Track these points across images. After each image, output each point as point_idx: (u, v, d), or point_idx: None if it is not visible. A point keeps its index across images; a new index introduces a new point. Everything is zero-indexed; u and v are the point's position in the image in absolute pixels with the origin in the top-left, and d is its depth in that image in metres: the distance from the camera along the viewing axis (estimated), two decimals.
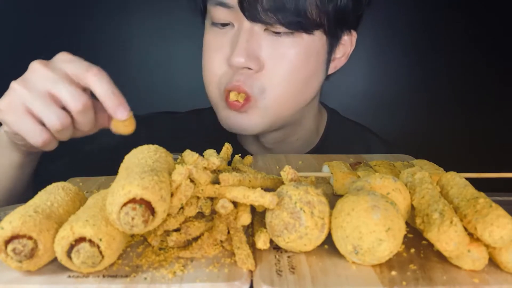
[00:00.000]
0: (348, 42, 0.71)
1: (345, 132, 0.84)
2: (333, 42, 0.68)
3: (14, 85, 0.47)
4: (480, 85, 1.63)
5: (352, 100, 1.62)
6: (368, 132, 0.87)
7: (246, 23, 0.62)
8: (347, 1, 0.64)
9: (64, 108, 0.47)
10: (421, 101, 1.67)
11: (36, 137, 0.47)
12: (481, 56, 1.60)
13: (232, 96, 0.65)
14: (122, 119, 0.47)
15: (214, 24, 0.66)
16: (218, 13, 0.64)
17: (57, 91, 0.46)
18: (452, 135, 1.63)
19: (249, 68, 0.63)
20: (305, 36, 0.63)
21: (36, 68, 0.47)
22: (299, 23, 0.61)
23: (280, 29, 0.62)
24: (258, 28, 0.62)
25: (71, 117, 0.48)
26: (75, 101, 0.46)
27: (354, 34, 0.72)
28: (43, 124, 0.48)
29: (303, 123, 0.76)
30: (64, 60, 0.48)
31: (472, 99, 1.64)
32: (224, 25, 0.65)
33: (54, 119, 0.46)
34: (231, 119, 0.68)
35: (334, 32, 0.67)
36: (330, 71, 0.72)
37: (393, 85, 1.67)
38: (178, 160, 0.45)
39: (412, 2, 1.60)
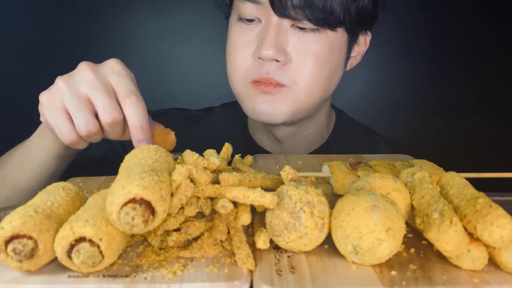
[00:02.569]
0: (362, 42, 0.74)
1: (351, 132, 0.85)
2: (352, 40, 0.71)
3: (58, 80, 0.49)
4: (480, 86, 1.63)
5: (353, 99, 1.62)
6: (374, 133, 0.89)
7: (274, 19, 0.65)
8: (368, 2, 0.67)
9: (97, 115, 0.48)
10: (421, 101, 1.67)
11: (65, 135, 0.49)
12: (482, 57, 1.60)
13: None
14: None
15: (240, 19, 0.68)
16: (246, 9, 0.66)
17: (94, 98, 0.47)
18: (452, 135, 1.63)
19: (277, 61, 0.65)
20: (329, 32, 0.66)
21: (82, 69, 0.49)
22: (325, 20, 0.64)
23: (307, 25, 0.64)
24: (285, 23, 0.65)
25: (101, 125, 0.49)
26: (106, 113, 0.47)
27: (369, 34, 0.75)
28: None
29: (317, 118, 0.78)
30: (113, 71, 0.49)
31: (472, 99, 1.64)
32: (250, 21, 0.67)
33: (83, 124, 0.47)
34: (260, 106, 0.68)
35: (354, 30, 0.70)
36: (347, 68, 0.75)
37: (394, 85, 1.67)
38: (178, 160, 0.45)
39: (417, 3, 1.60)
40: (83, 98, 0.48)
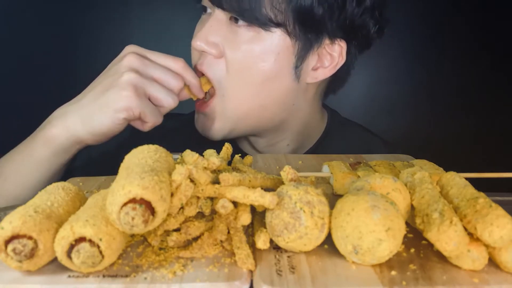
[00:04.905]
0: (338, 52, 0.67)
1: (345, 133, 0.82)
2: (304, 47, 0.65)
3: (126, 76, 0.57)
4: (480, 86, 1.63)
5: (352, 100, 1.62)
6: (369, 133, 0.85)
7: (217, 11, 0.65)
8: (312, 5, 0.61)
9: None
10: (421, 101, 1.67)
11: (156, 117, 0.59)
12: (481, 57, 1.60)
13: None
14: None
15: (203, 10, 0.70)
16: None
17: (160, 76, 0.59)
18: (452, 135, 1.63)
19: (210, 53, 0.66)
20: (262, 32, 0.63)
21: (154, 55, 0.60)
22: (253, 16, 0.62)
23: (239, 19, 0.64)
24: (224, 17, 0.65)
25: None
26: (174, 81, 0.60)
27: (341, 44, 0.66)
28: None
29: (290, 129, 0.75)
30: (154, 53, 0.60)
31: (472, 99, 1.64)
32: (206, 11, 0.69)
33: (170, 100, 0.59)
34: (199, 121, 0.71)
35: (303, 36, 0.64)
36: (310, 80, 0.68)
37: (394, 86, 1.67)
38: (178, 160, 0.45)
39: (414, 6, 1.60)
40: (155, 80, 0.59)
